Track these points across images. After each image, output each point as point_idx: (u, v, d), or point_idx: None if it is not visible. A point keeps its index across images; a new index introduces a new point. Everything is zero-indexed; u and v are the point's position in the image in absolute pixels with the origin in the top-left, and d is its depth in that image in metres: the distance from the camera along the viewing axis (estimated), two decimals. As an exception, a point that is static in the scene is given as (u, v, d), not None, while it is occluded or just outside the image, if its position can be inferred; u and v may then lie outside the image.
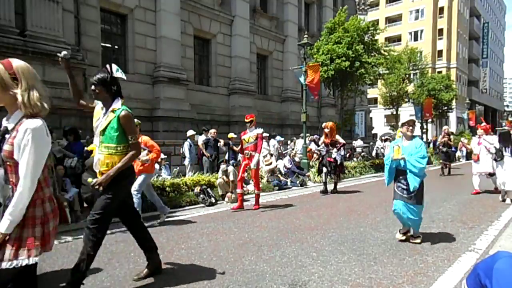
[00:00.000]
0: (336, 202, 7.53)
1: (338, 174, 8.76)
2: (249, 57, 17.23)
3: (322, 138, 8.92)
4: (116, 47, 13.09)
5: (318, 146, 9.25)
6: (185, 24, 14.55)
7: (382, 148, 21.11)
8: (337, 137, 8.65)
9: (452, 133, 12.59)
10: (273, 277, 3.30)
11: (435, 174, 12.55)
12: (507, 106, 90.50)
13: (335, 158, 8.47)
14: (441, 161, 13.14)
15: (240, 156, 8.28)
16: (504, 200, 7.27)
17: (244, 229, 5.19)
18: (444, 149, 12.45)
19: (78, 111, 10.19)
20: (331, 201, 7.69)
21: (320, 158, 8.97)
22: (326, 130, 8.51)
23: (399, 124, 4.91)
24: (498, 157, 7.22)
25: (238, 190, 6.82)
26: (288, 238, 4.66)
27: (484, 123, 8.28)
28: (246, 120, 6.95)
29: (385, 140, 22.26)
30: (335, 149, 8.44)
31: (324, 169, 8.68)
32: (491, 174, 7.85)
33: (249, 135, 6.84)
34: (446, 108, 30.52)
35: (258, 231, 5.05)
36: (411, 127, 4.43)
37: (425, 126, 28.08)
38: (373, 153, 19.38)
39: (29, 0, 9.42)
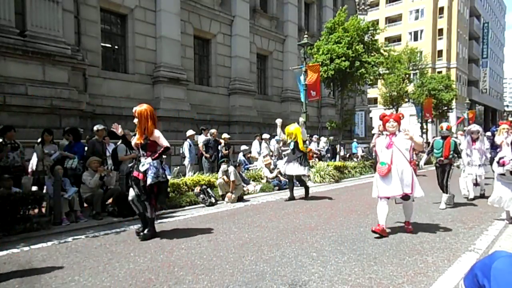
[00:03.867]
0: (336, 202, 7.53)
1: (152, 201, 4.79)
2: (249, 57, 17.22)
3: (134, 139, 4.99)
4: (116, 47, 13.09)
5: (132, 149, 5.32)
6: (185, 24, 14.55)
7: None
8: (156, 134, 4.75)
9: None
10: (273, 277, 3.30)
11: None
12: (507, 106, 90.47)
13: (144, 173, 4.65)
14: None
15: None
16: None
17: (244, 229, 5.19)
18: None
19: (78, 111, 10.20)
20: (331, 201, 7.69)
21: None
22: (135, 121, 4.79)
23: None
24: None
25: None
26: (288, 238, 4.66)
27: (393, 112, 4.91)
28: None
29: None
30: (149, 158, 4.69)
31: (132, 192, 4.84)
32: (405, 198, 4.77)
33: None
34: (446, 108, 30.52)
35: (258, 231, 5.05)
36: None
37: (425, 126, 28.10)
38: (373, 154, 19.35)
39: (29, 0, 9.42)
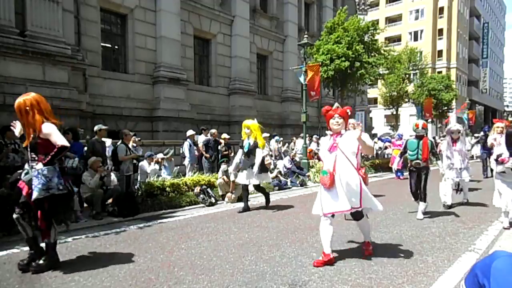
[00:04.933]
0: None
1: (43, 229, 3.50)
2: (249, 57, 17.23)
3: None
4: (116, 47, 13.09)
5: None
6: (185, 24, 14.55)
7: (380, 148, 21.09)
8: (46, 130, 3.48)
9: None
10: (273, 277, 3.30)
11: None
12: (507, 106, 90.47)
13: (30, 185, 3.41)
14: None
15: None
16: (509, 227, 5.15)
17: (244, 229, 5.19)
18: None
19: (78, 111, 10.20)
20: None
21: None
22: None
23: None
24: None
25: None
26: (288, 238, 4.66)
27: (336, 106, 3.84)
28: None
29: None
30: (39, 164, 3.46)
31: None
32: (356, 216, 3.78)
33: None
34: (446, 108, 30.56)
35: (258, 231, 5.05)
36: None
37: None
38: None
39: (29, 0, 9.42)
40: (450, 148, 6.62)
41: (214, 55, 16.12)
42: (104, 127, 7.30)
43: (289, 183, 10.08)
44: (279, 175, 10.15)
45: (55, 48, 9.72)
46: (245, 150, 6.61)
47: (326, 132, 3.78)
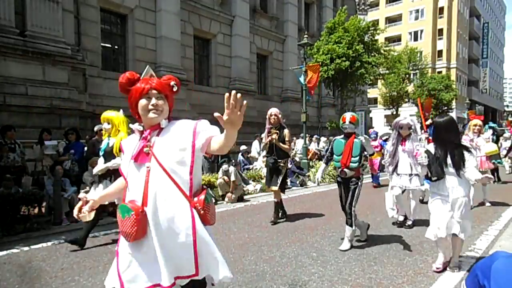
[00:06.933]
0: (336, 202, 7.51)
1: None
2: (249, 57, 17.22)
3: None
4: (116, 47, 13.09)
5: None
6: (185, 24, 14.55)
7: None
8: None
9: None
10: (273, 277, 3.30)
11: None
12: (507, 106, 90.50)
13: None
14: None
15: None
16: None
17: (244, 229, 5.19)
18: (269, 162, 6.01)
19: (78, 111, 10.20)
20: (331, 201, 7.69)
21: None
22: None
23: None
24: (434, 175, 3.38)
25: None
26: (288, 238, 4.66)
27: (148, 71, 1.81)
28: None
29: (385, 140, 22.24)
30: None
31: None
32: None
33: None
34: (446, 108, 30.59)
35: (258, 231, 5.05)
36: None
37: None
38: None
39: (29, 0, 9.41)
40: (396, 147, 5.02)
41: (214, 55, 16.12)
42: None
43: (289, 183, 10.06)
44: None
45: (55, 48, 9.71)
46: (101, 153, 4.54)
47: (131, 125, 1.92)
